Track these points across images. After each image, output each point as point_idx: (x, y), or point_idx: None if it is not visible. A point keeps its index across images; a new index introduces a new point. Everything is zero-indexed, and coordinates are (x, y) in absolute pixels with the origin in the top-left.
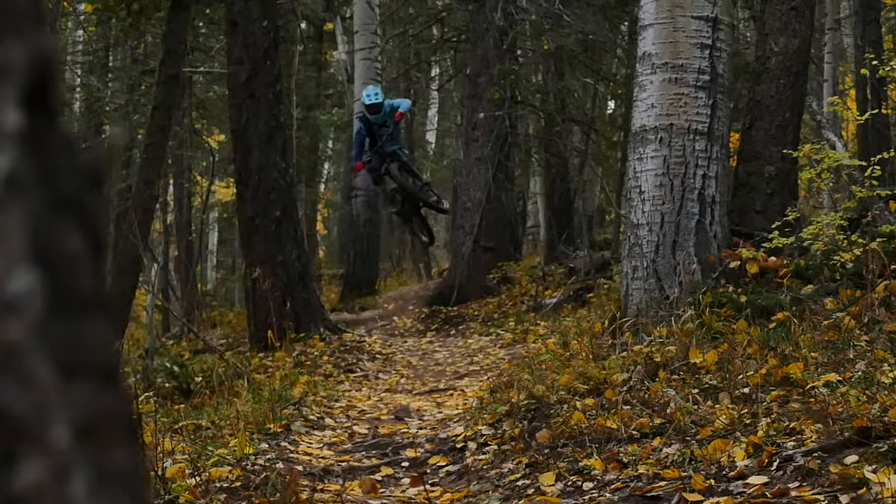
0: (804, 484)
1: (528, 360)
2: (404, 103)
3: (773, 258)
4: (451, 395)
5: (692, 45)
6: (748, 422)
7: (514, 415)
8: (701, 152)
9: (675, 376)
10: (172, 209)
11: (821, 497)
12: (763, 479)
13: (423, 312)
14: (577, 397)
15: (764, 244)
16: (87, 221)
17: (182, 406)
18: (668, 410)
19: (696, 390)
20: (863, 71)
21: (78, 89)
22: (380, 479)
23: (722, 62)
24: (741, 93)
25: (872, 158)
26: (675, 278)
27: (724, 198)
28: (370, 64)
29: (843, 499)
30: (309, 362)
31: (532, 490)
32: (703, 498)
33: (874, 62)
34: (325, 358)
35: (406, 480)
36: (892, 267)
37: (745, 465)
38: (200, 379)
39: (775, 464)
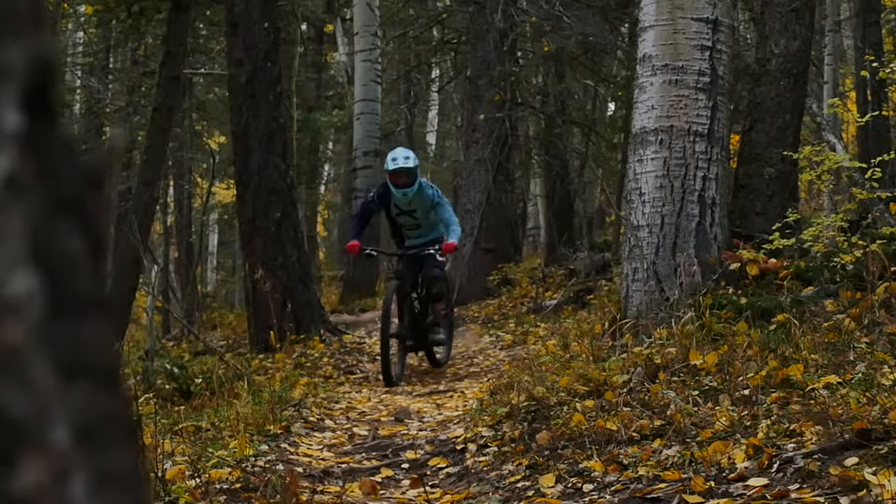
0: (804, 486)
1: (529, 362)
2: (454, 229)
3: (773, 260)
4: (451, 396)
5: (692, 46)
6: (748, 424)
7: (515, 416)
8: (701, 154)
9: (676, 378)
10: (173, 211)
11: (821, 499)
12: (763, 480)
13: None
14: (577, 399)
15: (764, 246)
16: (88, 223)
17: (182, 408)
18: (668, 412)
19: (696, 392)
20: (863, 73)
21: (78, 91)
22: (380, 480)
23: (722, 64)
24: (741, 95)
25: (873, 160)
26: (675, 280)
27: (724, 199)
28: (370, 65)
29: (844, 501)
30: (309, 364)
31: (532, 492)
32: (703, 500)
33: (874, 64)
34: (326, 359)
35: (406, 482)
36: (893, 269)
37: (746, 467)
38: (200, 380)
39: (775, 466)
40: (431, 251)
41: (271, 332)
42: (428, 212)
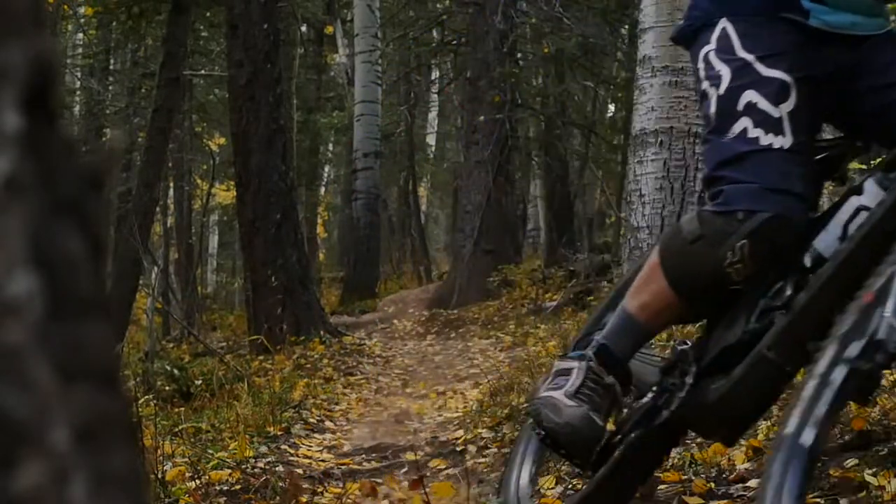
0: None
1: (529, 363)
2: None
3: None
4: (451, 397)
5: None
6: None
7: (515, 418)
8: (701, 155)
9: None
10: (173, 212)
11: (821, 500)
12: None
13: (422, 315)
14: None
15: None
16: (88, 224)
17: (182, 409)
18: None
19: None
20: None
21: (78, 92)
22: (379, 481)
23: None
24: None
25: (873, 161)
26: None
27: None
28: (370, 67)
29: (843, 502)
30: (309, 365)
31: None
32: (703, 501)
33: None
34: (325, 361)
35: (406, 483)
36: None
37: (746, 469)
38: (200, 382)
39: None
40: None
41: (267, 334)
42: None
